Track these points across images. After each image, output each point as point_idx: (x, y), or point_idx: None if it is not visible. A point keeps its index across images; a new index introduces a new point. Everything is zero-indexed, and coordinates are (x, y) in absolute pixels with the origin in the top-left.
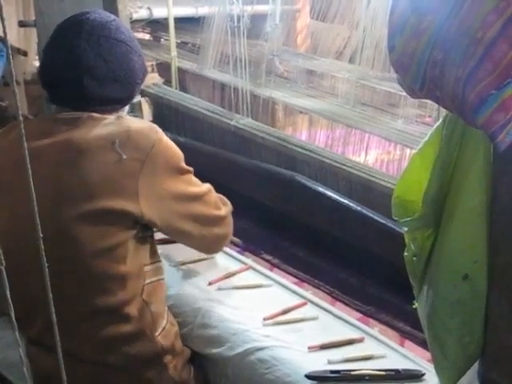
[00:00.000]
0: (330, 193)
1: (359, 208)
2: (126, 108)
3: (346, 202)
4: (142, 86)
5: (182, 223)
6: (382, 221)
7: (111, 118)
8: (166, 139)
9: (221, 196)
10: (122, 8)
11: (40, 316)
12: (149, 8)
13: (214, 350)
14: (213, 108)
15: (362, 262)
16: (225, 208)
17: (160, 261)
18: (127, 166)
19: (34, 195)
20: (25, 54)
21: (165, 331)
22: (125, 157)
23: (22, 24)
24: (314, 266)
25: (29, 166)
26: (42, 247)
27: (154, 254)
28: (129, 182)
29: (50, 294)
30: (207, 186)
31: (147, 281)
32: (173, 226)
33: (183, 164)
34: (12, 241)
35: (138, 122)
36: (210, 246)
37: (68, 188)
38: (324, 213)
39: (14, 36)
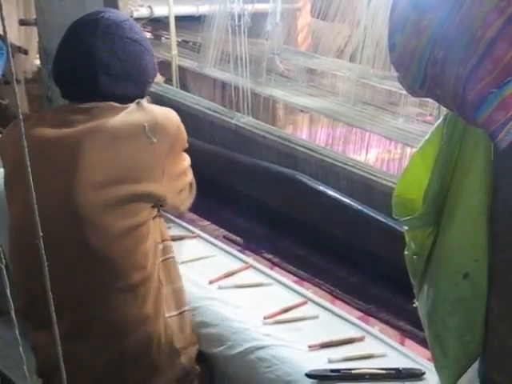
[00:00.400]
0: (330, 192)
1: (360, 207)
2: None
3: (346, 200)
4: None
5: (178, 197)
6: (383, 220)
7: (132, 105)
8: (182, 126)
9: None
10: (123, 6)
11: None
12: (149, 6)
13: (215, 349)
14: (213, 106)
15: (362, 261)
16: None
17: (169, 239)
18: (157, 149)
19: (52, 184)
20: (25, 52)
21: (176, 317)
22: (155, 140)
23: (22, 23)
24: (314, 264)
25: (27, 167)
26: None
27: (164, 232)
28: (157, 164)
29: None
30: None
31: (160, 259)
32: (172, 200)
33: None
34: (29, 228)
35: (159, 107)
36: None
37: (97, 173)
38: (325, 212)
39: (15, 34)
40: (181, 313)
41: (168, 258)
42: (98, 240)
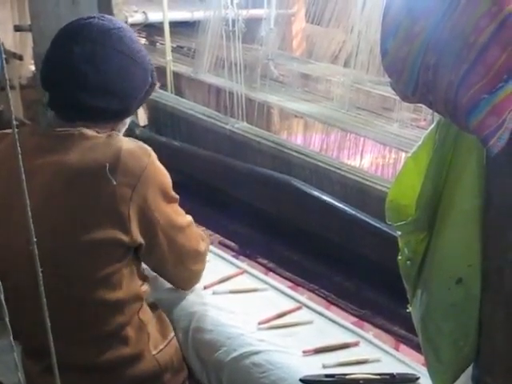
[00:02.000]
0: (325, 197)
1: (354, 212)
2: (127, 121)
3: (341, 205)
4: None
5: (163, 252)
6: (377, 225)
7: (103, 136)
8: (158, 163)
9: (200, 232)
10: (117, 12)
11: (38, 339)
12: (144, 12)
13: (209, 355)
14: (208, 112)
15: (357, 266)
16: (203, 243)
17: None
18: (118, 191)
19: (18, 218)
20: (20, 58)
21: (164, 349)
22: (115, 183)
23: (17, 28)
24: (309, 269)
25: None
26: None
27: (143, 275)
28: (120, 209)
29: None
30: (190, 219)
31: (140, 303)
32: (155, 254)
33: (172, 191)
34: (7, 262)
35: (129, 143)
36: (183, 282)
37: (60, 217)
38: (319, 217)
39: (10, 40)
40: (168, 342)
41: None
42: (72, 286)
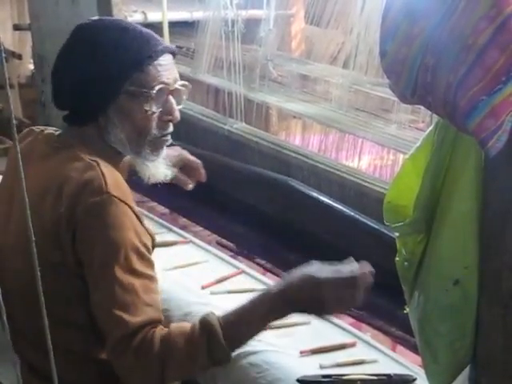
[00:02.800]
0: (323, 198)
1: (352, 213)
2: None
3: (339, 206)
4: None
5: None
6: (375, 226)
7: (87, 159)
8: (109, 208)
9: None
10: (117, 12)
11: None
12: (143, 12)
13: None
14: (206, 112)
15: None
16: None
17: None
18: (59, 218)
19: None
20: (19, 57)
21: None
22: (62, 210)
23: (16, 27)
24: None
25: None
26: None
27: None
28: (59, 232)
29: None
30: (146, 319)
31: None
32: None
33: (128, 255)
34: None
35: (92, 174)
36: None
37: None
38: (317, 217)
39: (9, 39)
40: None
41: None
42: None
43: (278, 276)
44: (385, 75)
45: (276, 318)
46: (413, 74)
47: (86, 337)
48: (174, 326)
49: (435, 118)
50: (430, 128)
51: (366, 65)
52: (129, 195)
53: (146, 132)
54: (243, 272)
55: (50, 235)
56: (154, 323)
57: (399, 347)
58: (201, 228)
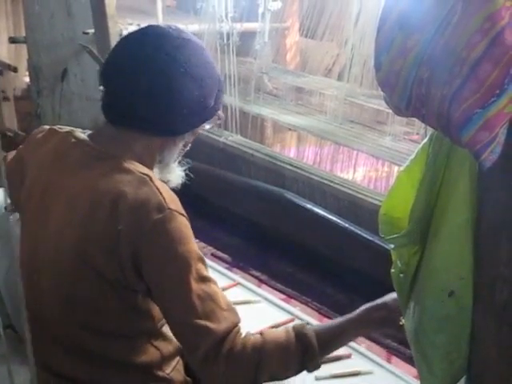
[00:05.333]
0: (318, 209)
1: (347, 224)
2: (175, 150)
3: (333, 218)
4: None
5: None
6: (370, 237)
7: (136, 174)
8: (174, 224)
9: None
10: (112, 25)
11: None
12: (139, 25)
13: None
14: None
15: (349, 279)
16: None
17: None
18: (120, 235)
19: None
20: (15, 70)
21: (177, 366)
22: (120, 228)
23: (12, 40)
24: (301, 282)
25: None
26: None
27: None
28: (119, 250)
29: None
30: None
31: (159, 324)
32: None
33: (196, 265)
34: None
35: (148, 191)
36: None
37: (77, 237)
38: (312, 229)
39: (5, 52)
40: (178, 361)
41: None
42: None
43: (273, 288)
44: (379, 87)
45: (358, 335)
46: (407, 86)
47: (135, 346)
48: (267, 333)
49: (430, 130)
50: (425, 140)
51: (360, 77)
52: (180, 205)
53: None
54: (239, 284)
55: (104, 251)
56: (237, 326)
57: (394, 358)
58: (196, 240)
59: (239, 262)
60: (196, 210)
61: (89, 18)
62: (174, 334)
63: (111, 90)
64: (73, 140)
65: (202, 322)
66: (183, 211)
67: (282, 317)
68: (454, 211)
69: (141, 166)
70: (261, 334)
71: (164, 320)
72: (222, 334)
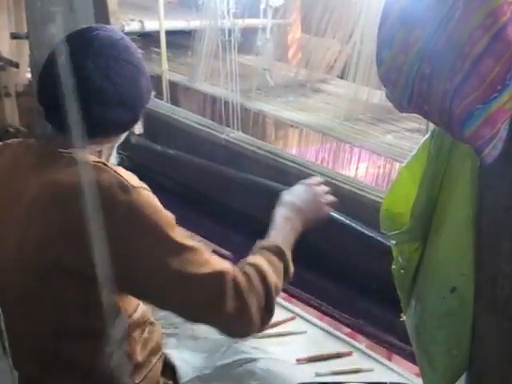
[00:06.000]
0: None
1: (348, 221)
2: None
3: (335, 215)
4: None
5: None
6: (371, 235)
7: (91, 159)
8: (142, 201)
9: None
10: (114, 21)
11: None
12: (141, 21)
13: (202, 362)
14: (203, 121)
15: (351, 276)
16: (235, 303)
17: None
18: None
19: (12, 237)
20: (16, 65)
21: (150, 374)
22: (87, 216)
23: (14, 36)
24: (303, 279)
25: None
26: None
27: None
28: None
29: None
30: (216, 270)
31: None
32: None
33: (172, 234)
34: None
35: (108, 176)
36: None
37: (38, 235)
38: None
39: (6, 48)
40: (153, 366)
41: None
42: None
43: None
44: (381, 83)
45: (298, 231)
46: (409, 82)
47: (93, 346)
48: (251, 258)
49: (431, 126)
50: (426, 136)
51: (362, 73)
52: (139, 180)
53: None
54: None
55: (70, 244)
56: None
57: (395, 356)
58: (198, 237)
59: (241, 258)
60: (197, 207)
61: (91, 13)
62: (188, 308)
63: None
64: (25, 146)
65: (198, 270)
66: (145, 185)
67: (283, 315)
68: (455, 207)
69: (93, 156)
70: (246, 263)
71: (134, 324)
72: (222, 272)
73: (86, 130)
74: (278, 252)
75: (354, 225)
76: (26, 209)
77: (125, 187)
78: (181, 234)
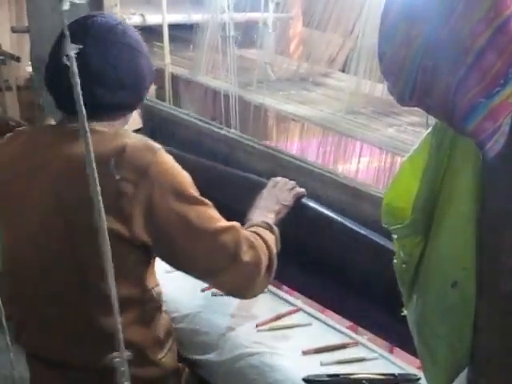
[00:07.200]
0: (318, 206)
1: (346, 221)
2: (134, 113)
3: (335, 215)
4: None
5: (185, 257)
6: (373, 236)
7: (110, 131)
8: (167, 161)
9: (249, 239)
10: (116, 14)
11: (39, 337)
12: (142, 15)
13: (205, 356)
14: (204, 117)
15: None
16: (250, 251)
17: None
18: (120, 187)
19: (38, 210)
20: (18, 59)
21: (170, 353)
22: (118, 177)
23: (14, 30)
24: (303, 279)
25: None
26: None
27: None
28: (122, 204)
29: None
30: (224, 224)
31: (149, 306)
32: (176, 258)
33: (191, 192)
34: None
35: (135, 138)
36: (229, 291)
37: (66, 205)
38: (315, 226)
39: (7, 41)
40: (171, 346)
41: (160, 305)
42: (77, 274)
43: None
44: (383, 77)
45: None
46: (411, 76)
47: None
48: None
49: (431, 120)
50: (428, 130)
51: (364, 67)
52: None
53: None
54: None
55: (108, 206)
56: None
57: (397, 350)
58: None
59: None
60: None
61: (92, 7)
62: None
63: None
64: (39, 129)
65: (228, 226)
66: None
67: (287, 307)
68: (457, 201)
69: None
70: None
71: (156, 300)
72: (240, 230)
73: (92, 113)
74: (268, 227)
75: (352, 225)
76: (52, 180)
77: (151, 149)
78: (197, 191)
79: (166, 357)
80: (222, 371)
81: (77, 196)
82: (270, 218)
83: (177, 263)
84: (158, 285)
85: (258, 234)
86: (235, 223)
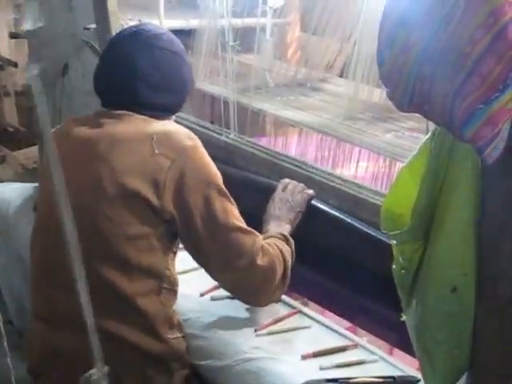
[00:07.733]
0: (319, 204)
1: (348, 219)
2: (173, 117)
3: (334, 213)
4: None
5: (200, 242)
6: (373, 233)
7: (156, 120)
8: (201, 151)
9: (265, 246)
10: (114, 20)
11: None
12: (139, 20)
13: (204, 361)
14: (202, 122)
15: (351, 274)
16: (264, 257)
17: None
18: (159, 160)
19: (75, 184)
20: (15, 65)
21: (178, 339)
22: (157, 151)
23: (12, 35)
24: (303, 277)
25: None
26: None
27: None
28: (158, 175)
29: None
30: (242, 225)
31: (166, 285)
32: (192, 240)
33: (220, 185)
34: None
35: (179, 127)
36: (237, 293)
37: (102, 173)
38: (313, 224)
39: (5, 47)
40: (183, 336)
41: (174, 290)
42: (105, 238)
43: None
44: (382, 83)
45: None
46: (410, 82)
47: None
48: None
49: (431, 125)
50: (427, 136)
51: (362, 72)
52: None
53: None
54: None
55: (144, 179)
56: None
57: (396, 351)
58: None
59: None
60: None
61: (90, 13)
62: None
63: (127, 91)
64: (87, 117)
65: (247, 229)
66: None
67: (286, 310)
68: (456, 207)
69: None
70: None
71: (172, 283)
72: (259, 237)
73: (136, 111)
74: (284, 239)
75: (354, 222)
76: (102, 153)
77: (192, 138)
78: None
79: (174, 340)
80: (220, 377)
81: (109, 167)
82: (286, 229)
83: (195, 251)
84: (176, 275)
85: (274, 245)
86: (255, 231)
